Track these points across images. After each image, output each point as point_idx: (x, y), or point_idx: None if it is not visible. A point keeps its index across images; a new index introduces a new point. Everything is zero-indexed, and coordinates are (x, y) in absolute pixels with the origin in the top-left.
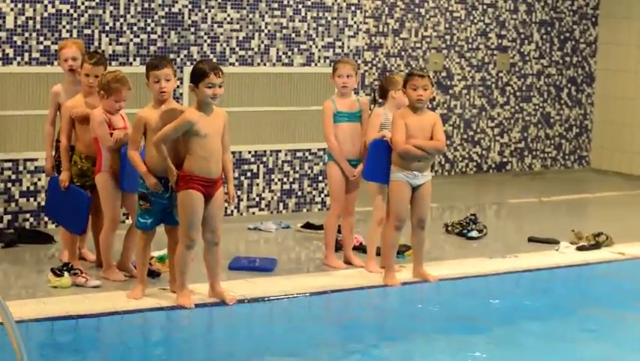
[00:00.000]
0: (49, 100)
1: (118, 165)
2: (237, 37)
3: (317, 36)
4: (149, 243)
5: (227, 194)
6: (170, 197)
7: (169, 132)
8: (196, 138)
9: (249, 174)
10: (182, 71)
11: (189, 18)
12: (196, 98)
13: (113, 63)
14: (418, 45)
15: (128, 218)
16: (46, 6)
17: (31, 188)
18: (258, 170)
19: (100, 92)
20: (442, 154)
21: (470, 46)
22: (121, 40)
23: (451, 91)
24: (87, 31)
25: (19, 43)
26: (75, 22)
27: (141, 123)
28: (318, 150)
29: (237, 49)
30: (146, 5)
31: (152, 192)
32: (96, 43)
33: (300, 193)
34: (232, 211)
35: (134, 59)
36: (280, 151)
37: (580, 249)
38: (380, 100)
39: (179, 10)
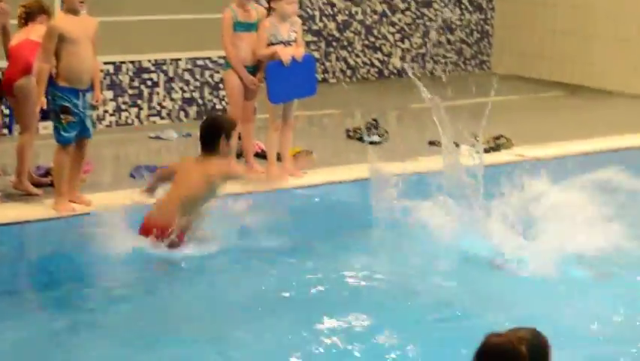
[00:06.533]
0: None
1: None
2: None
3: None
4: (69, 157)
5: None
6: (84, 106)
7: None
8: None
9: (149, 82)
10: None
11: None
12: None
13: None
14: None
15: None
16: None
17: None
18: (158, 79)
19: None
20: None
21: None
22: None
23: None
24: None
25: None
26: None
27: (55, 33)
28: (219, 57)
29: None
30: None
31: (74, 104)
32: None
33: (200, 101)
34: (132, 120)
35: None
36: (180, 60)
37: None
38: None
39: None
